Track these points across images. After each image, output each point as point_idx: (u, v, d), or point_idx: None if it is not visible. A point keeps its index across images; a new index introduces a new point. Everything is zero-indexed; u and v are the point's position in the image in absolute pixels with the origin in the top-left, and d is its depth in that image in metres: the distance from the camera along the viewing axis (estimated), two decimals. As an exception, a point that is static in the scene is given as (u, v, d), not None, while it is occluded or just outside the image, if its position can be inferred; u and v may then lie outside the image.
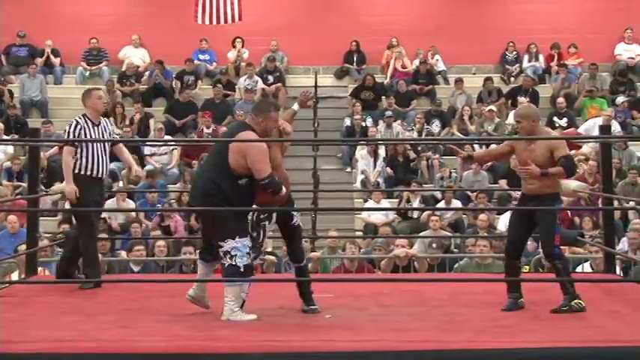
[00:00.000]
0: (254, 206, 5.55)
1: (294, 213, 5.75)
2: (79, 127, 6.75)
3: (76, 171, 6.73)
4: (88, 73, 16.64)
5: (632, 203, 10.72)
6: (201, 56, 16.73)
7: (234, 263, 5.38)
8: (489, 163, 13.40)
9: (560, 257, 5.70)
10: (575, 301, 5.56)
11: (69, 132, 6.77)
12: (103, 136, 6.90)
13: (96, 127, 6.85)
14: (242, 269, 5.39)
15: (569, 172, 5.67)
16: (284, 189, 5.49)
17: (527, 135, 5.72)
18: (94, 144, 6.70)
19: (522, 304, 5.73)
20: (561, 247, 6.00)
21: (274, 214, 5.64)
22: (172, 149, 13.93)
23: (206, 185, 5.50)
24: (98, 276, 6.86)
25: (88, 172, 6.74)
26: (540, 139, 5.69)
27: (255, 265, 5.73)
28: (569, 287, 5.60)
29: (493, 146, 6.43)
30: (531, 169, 5.62)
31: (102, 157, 6.81)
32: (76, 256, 6.96)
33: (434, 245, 10.32)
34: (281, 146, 5.70)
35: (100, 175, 6.81)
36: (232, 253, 5.38)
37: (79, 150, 6.72)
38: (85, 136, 6.72)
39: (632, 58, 16.43)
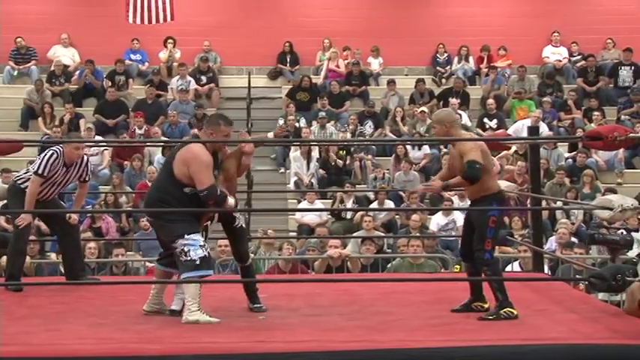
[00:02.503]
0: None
1: (236, 214, 5.77)
2: (56, 162, 6.59)
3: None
4: (16, 73, 16.32)
5: (559, 203, 10.96)
6: (132, 56, 16.55)
7: (189, 258, 5.40)
8: (422, 164, 13.60)
9: (489, 264, 5.46)
10: (505, 309, 5.36)
11: (44, 161, 6.58)
12: (72, 175, 6.77)
13: (67, 169, 6.71)
14: (198, 262, 5.40)
15: (468, 178, 5.33)
16: (230, 200, 5.51)
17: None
18: (58, 183, 6.64)
19: (476, 308, 5.58)
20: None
21: (216, 215, 5.74)
22: (103, 150, 13.74)
23: (155, 193, 5.62)
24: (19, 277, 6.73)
25: (39, 197, 6.64)
26: (477, 141, 5.73)
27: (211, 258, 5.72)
28: (498, 295, 5.40)
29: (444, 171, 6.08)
30: (432, 185, 5.69)
31: (58, 189, 6.78)
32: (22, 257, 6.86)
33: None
34: (238, 158, 5.71)
35: (49, 199, 6.77)
36: (185, 249, 5.41)
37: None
38: (57, 173, 6.60)
39: (560, 60, 16.78)
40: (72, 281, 6.70)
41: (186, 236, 5.41)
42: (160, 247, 5.86)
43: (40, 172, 6.58)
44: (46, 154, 6.64)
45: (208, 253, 5.50)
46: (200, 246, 5.43)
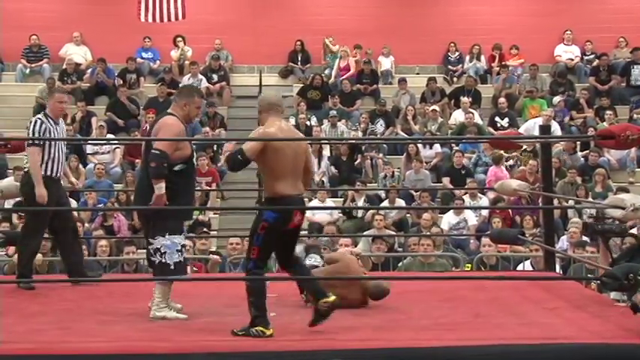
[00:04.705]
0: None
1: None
2: (43, 126, 6.60)
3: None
4: (28, 71, 16.37)
5: (571, 202, 10.92)
6: (144, 54, 16.58)
7: (164, 261, 5.41)
8: (433, 163, 13.60)
9: (252, 273, 5.04)
10: (258, 328, 4.89)
11: (34, 131, 6.57)
12: (62, 135, 6.80)
13: (57, 126, 6.74)
14: (172, 267, 5.40)
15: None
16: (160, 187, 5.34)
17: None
18: (56, 143, 6.53)
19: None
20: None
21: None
22: (115, 148, 13.78)
23: (141, 182, 5.59)
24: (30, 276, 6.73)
25: (49, 173, 6.59)
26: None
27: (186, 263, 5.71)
28: (252, 311, 4.96)
29: None
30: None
31: (62, 156, 6.71)
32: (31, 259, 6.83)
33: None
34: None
35: (58, 175, 6.70)
36: (162, 250, 5.41)
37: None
38: (49, 135, 6.54)
39: (571, 59, 16.72)
40: (74, 279, 6.66)
41: (167, 236, 5.40)
42: None
43: (33, 141, 6.54)
44: (30, 125, 6.66)
45: (184, 258, 5.48)
46: (177, 250, 5.42)
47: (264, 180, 5.17)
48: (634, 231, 7.91)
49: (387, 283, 6.03)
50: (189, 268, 6.34)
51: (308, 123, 14.54)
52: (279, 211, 5.00)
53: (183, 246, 5.50)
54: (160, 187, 5.38)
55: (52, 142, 6.49)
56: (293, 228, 5.13)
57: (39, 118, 6.68)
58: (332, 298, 5.02)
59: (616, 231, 5.55)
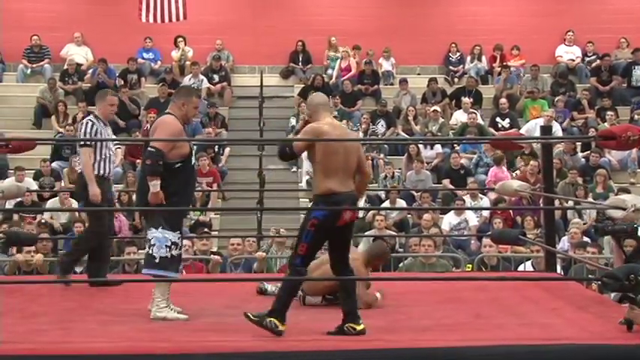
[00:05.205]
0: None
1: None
2: (94, 127, 6.67)
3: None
4: (29, 71, 16.37)
5: (571, 203, 10.92)
6: (145, 55, 16.58)
7: (150, 252, 5.45)
8: (434, 163, 13.60)
9: (296, 270, 5.03)
10: (273, 319, 4.88)
11: (86, 132, 6.66)
12: (110, 136, 6.95)
13: (107, 128, 6.83)
14: (157, 260, 5.42)
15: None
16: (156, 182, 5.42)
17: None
18: (106, 143, 6.62)
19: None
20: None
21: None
22: (116, 148, 13.75)
23: (141, 182, 5.62)
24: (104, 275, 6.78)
25: (101, 172, 6.65)
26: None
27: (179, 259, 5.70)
28: (276, 303, 4.95)
29: None
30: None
31: (113, 156, 6.82)
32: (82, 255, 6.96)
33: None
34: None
35: (109, 174, 6.78)
36: (152, 242, 5.45)
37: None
38: (101, 137, 6.64)
39: (573, 60, 16.72)
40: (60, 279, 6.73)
41: (160, 229, 5.43)
42: None
43: (84, 142, 6.64)
44: (82, 127, 6.74)
45: (175, 255, 5.45)
46: (166, 246, 5.42)
47: (313, 177, 5.18)
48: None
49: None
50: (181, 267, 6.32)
51: (309, 123, 14.51)
52: (328, 208, 4.97)
53: (175, 244, 5.47)
54: (155, 185, 5.43)
55: (103, 143, 6.58)
56: (343, 225, 5.08)
57: (90, 120, 6.77)
58: (361, 327, 4.95)
59: (627, 231, 5.53)
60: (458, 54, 16.90)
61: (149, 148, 5.45)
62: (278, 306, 4.93)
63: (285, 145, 5.14)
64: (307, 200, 13.23)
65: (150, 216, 5.55)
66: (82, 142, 6.69)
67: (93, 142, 6.55)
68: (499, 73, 16.14)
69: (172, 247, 5.46)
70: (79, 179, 6.82)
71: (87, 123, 6.73)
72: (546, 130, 9.15)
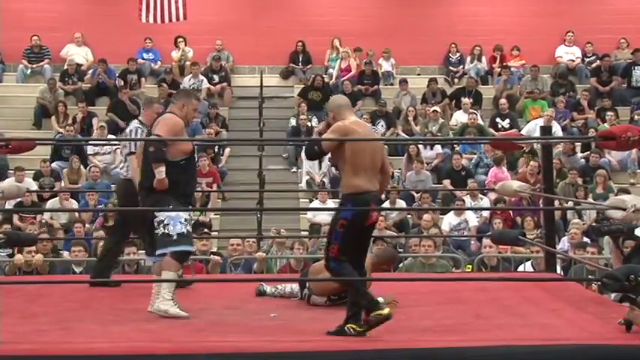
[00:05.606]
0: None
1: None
2: (141, 134, 6.74)
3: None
4: (29, 71, 16.37)
5: (571, 203, 10.92)
6: (145, 55, 16.58)
7: (167, 232, 5.47)
8: (434, 164, 13.60)
9: (337, 273, 5.05)
10: (348, 326, 4.88)
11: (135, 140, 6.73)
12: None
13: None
14: (174, 237, 5.45)
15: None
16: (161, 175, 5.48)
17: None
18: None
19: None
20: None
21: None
22: (116, 149, 13.77)
23: (147, 175, 5.68)
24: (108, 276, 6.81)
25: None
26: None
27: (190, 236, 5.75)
28: (350, 308, 4.95)
29: None
30: None
31: None
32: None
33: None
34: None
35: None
36: (166, 222, 5.48)
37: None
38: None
39: (573, 60, 16.72)
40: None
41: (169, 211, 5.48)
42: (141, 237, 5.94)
43: (133, 150, 6.69)
44: (130, 133, 6.83)
45: (188, 230, 5.51)
46: (180, 222, 5.46)
47: (341, 176, 5.18)
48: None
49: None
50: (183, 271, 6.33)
51: (309, 124, 14.54)
52: (357, 207, 4.96)
53: (187, 220, 5.52)
54: (160, 172, 5.51)
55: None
56: (371, 225, 5.11)
57: (137, 127, 6.85)
58: (362, 329, 4.89)
59: (624, 231, 5.53)
60: (458, 54, 16.90)
61: (151, 136, 5.62)
62: (352, 312, 4.92)
63: (313, 144, 5.19)
64: (307, 200, 13.27)
65: (158, 203, 5.55)
66: (132, 151, 6.69)
67: (135, 150, 6.58)
68: (499, 74, 16.14)
69: (185, 222, 5.50)
70: (122, 186, 6.86)
71: (135, 129, 6.84)
72: (546, 130, 9.15)
